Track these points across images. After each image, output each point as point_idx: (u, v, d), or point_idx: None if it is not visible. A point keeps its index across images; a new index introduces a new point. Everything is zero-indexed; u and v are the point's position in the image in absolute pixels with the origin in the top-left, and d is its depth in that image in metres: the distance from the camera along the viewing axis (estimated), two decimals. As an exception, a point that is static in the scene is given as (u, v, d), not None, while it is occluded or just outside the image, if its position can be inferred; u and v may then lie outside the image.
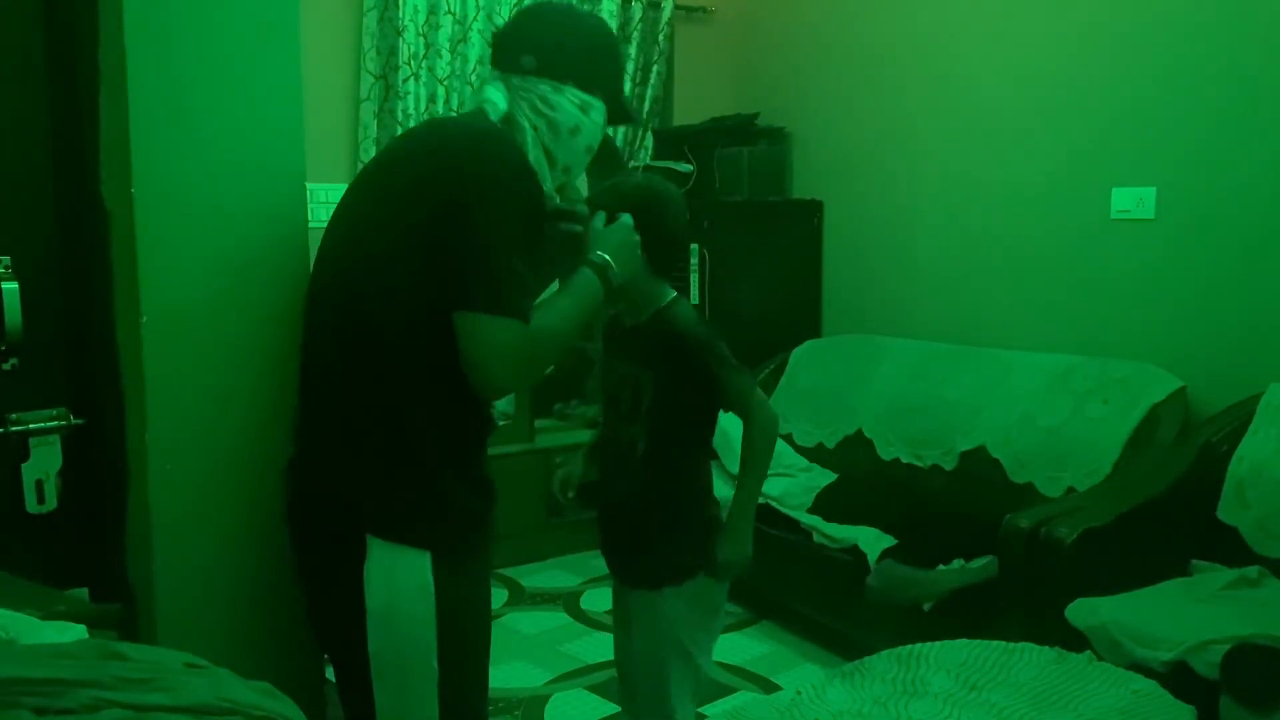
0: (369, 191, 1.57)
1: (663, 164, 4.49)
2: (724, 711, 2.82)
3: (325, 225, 1.68)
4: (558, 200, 1.69)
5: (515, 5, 4.19)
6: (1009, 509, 2.70)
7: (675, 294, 2.05)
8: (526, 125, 1.61)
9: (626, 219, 1.75)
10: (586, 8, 4.40)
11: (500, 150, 1.49)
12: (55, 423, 1.93)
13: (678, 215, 2.02)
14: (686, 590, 2.03)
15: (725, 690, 3.05)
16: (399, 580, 1.43)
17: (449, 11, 4.06)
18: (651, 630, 2.05)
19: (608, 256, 1.61)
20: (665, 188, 2.04)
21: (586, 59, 1.66)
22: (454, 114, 1.85)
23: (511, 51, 1.65)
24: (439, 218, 1.42)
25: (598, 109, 1.68)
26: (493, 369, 1.41)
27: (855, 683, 2.11)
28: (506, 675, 3.11)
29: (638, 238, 1.74)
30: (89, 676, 1.18)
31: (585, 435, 4.38)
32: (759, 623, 3.53)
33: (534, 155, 1.60)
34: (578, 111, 1.64)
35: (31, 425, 1.90)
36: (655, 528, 2.05)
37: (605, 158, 4.38)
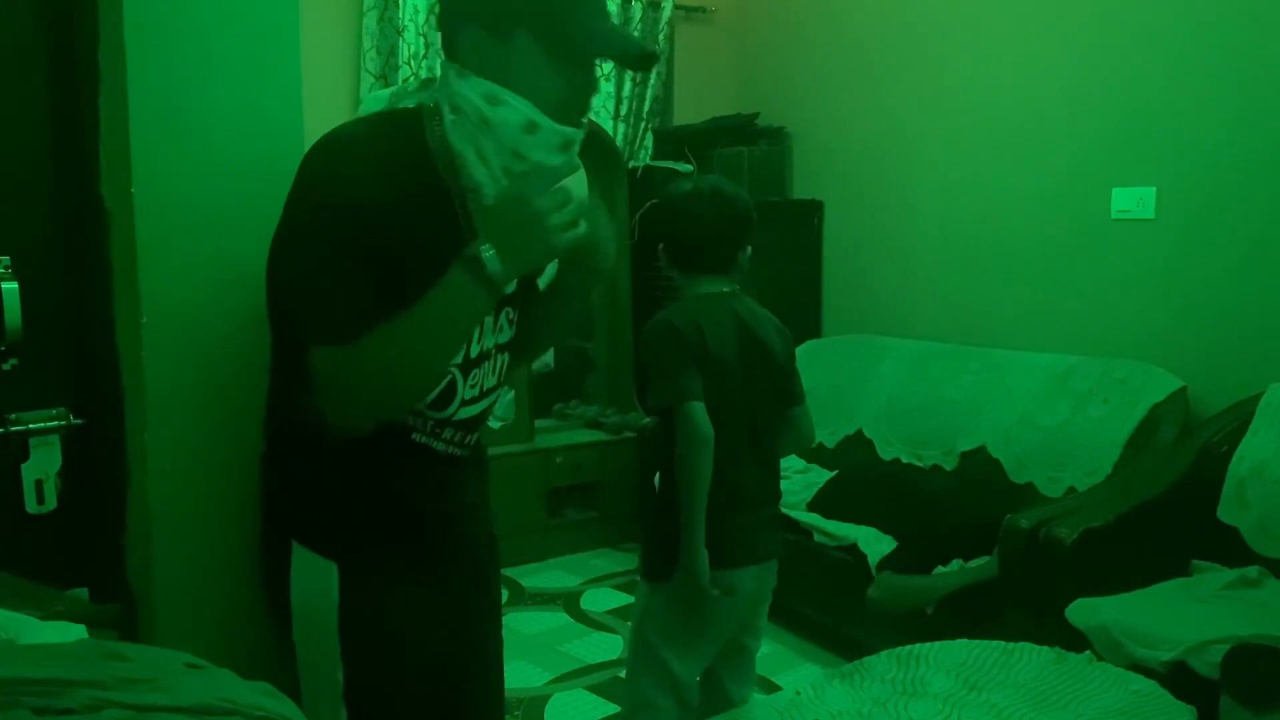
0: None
1: (663, 164, 4.49)
2: (724, 711, 2.82)
3: None
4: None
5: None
6: (1009, 509, 2.70)
7: (704, 293, 2.03)
8: (446, 112, 1.36)
9: (529, 196, 1.31)
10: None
11: (307, 162, 1.33)
12: (55, 423, 1.93)
13: (695, 216, 2.03)
14: (661, 590, 2.01)
15: (725, 690, 3.05)
16: (309, 585, 1.40)
17: (449, 11, 4.06)
18: (634, 617, 2.08)
19: (484, 248, 1.27)
20: (681, 190, 2.05)
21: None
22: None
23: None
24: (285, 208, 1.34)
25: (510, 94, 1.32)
26: (325, 403, 1.28)
27: (855, 683, 2.10)
28: (506, 675, 3.10)
29: (543, 217, 1.29)
30: (89, 676, 1.18)
31: (585, 435, 4.41)
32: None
33: (460, 148, 1.36)
34: (481, 103, 1.32)
35: (31, 425, 1.90)
36: (646, 523, 2.07)
37: (603, 156, 4.38)
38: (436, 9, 1.49)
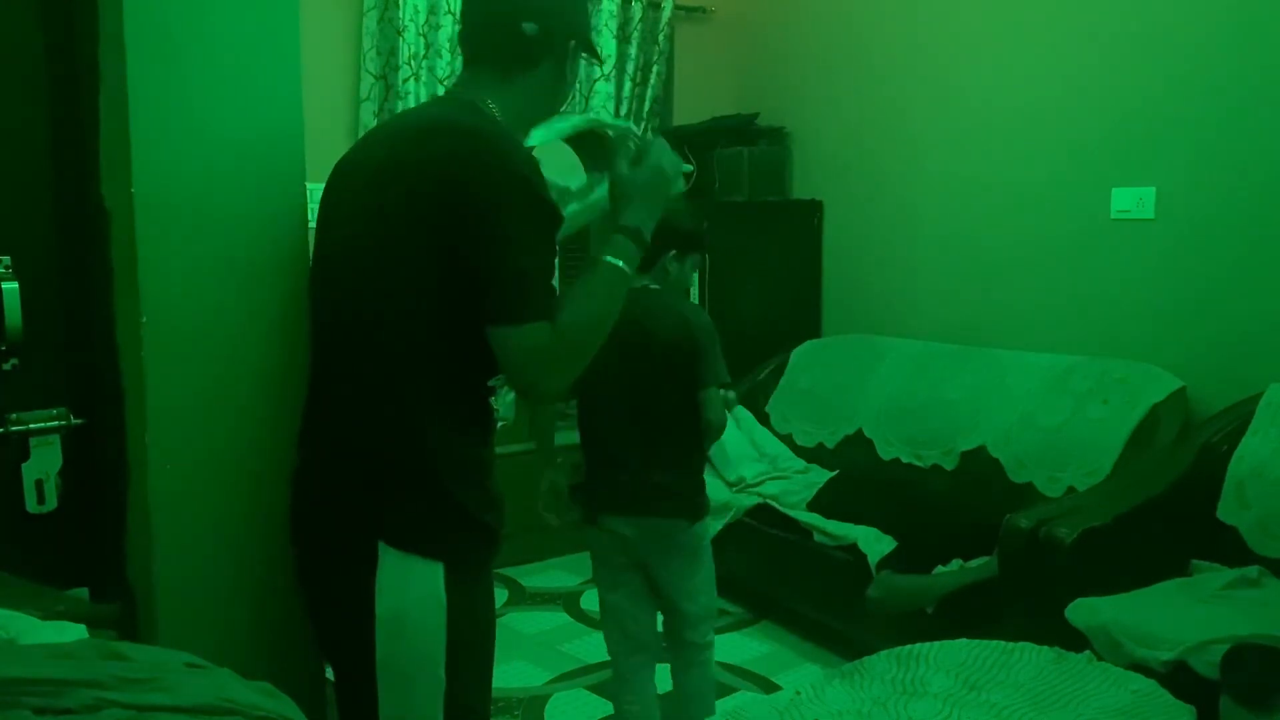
0: (362, 200, 1.47)
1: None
2: (724, 711, 2.81)
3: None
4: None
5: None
6: (1009, 509, 2.70)
7: None
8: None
9: (657, 150, 1.65)
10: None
11: (499, 150, 1.41)
12: (55, 423, 1.93)
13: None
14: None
15: (725, 690, 3.05)
16: (411, 590, 1.41)
17: (449, 11, 4.06)
18: None
19: (634, 213, 1.54)
20: None
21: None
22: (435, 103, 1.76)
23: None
24: (447, 235, 1.38)
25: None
26: (531, 376, 1.40)
27: (855, 683, 2.11)
28: (506, 675, 3.11)
29: (668, 171, 1.63)
30: (89, 676, 1.18)
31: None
32: (759, 623, 3.53)
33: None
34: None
35: (31, 425, 1.90)
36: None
37: (596, 150, 4.37)
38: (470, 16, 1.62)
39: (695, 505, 2.42)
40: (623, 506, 2.38)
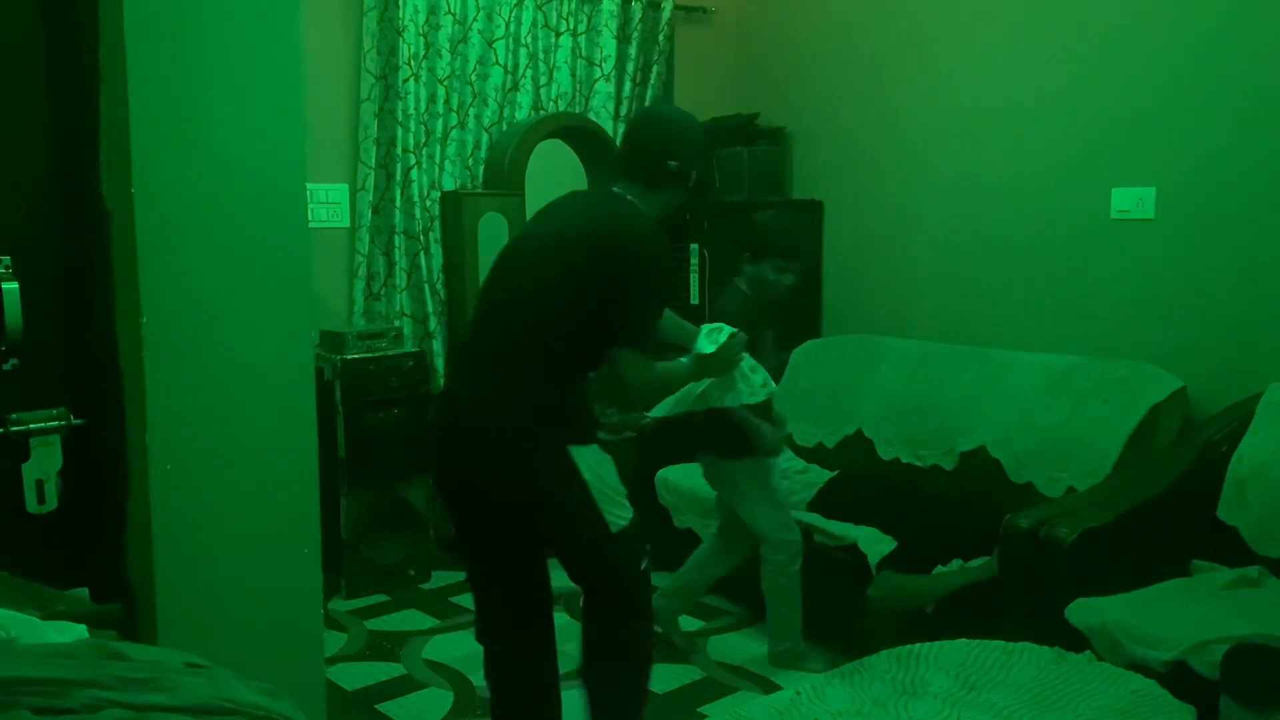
0: (558, 239, 2.27)
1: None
2: (723, 711, 2.82)
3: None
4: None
5: (514, 7, 4.19)
6: (1009, 509, 2.70)
7: None
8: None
9: (735, 343, 2.56)
10: (586, 10, 4.41)
11: (653, 243, 2.25)
12: (55, 423, 1.92)
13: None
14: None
15: (725, 690, 3.05)
16: (595, 463, 2.25)
17: (449, 12, 4.06)
18: None
19: (708, 358, 2.52)
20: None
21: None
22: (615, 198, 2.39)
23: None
24: (612, 285, 2.18)
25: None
26: (629, 380, 2.28)
27: (855, 683, 2.11)
28: (506, 675, 3.10)
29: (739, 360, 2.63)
30: (89, 676, 1.18)
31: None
32: (758, 622, 3.52)
33: None
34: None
35: (31, 425, 1.90)
36: None
37: (606, 159, 4.39)
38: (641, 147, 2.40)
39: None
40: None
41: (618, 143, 4.49)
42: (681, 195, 2.39)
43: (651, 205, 2.32)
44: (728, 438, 3.00)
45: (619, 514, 2.26)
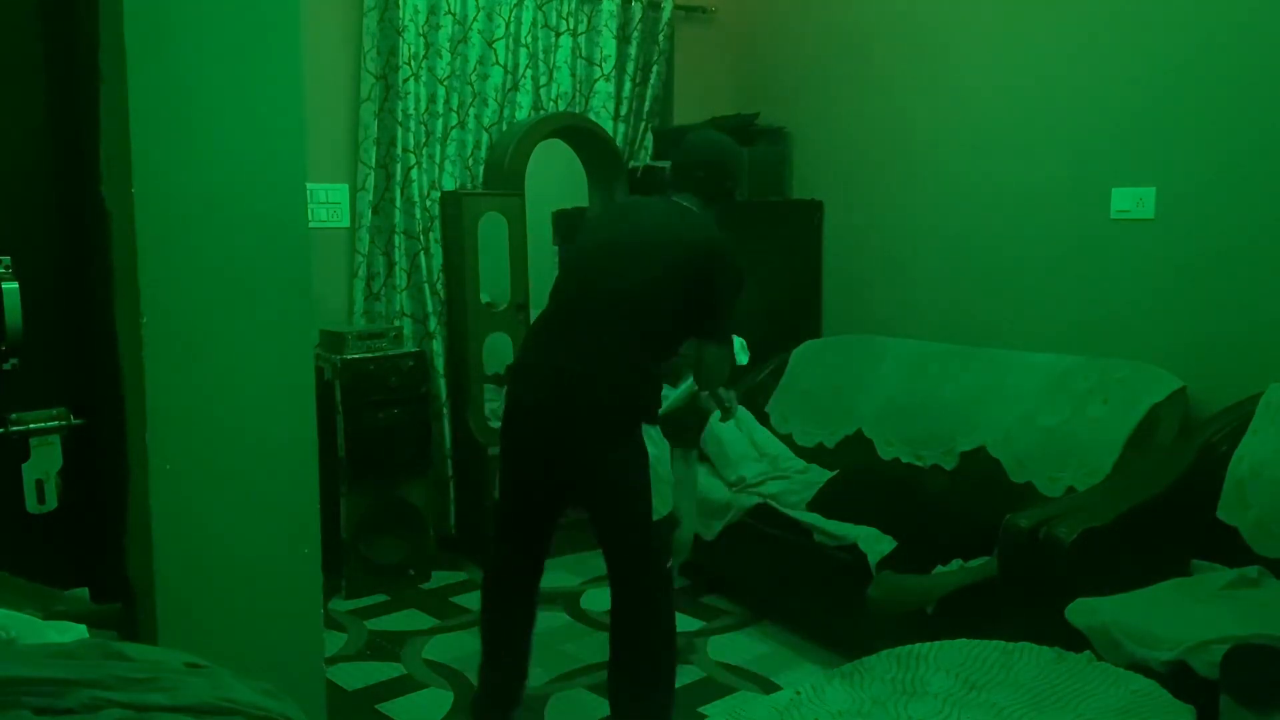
0: (655, 242, 2.54)
1: (663, 164, 4.49)
2: (723, 711, 2.82)
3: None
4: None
5: (514, 7, 4.19)
6: (1009, 509, 2.70)
7: None
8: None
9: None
10: (586, 10, 4.41)
11: (733, 253, 2.57)
12: (55, 423, 1.92)
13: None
14: None
15: (725, 690, 3.05)
16: (640, 445, 2.47)
17: (449, 12, 4.06)
18: None
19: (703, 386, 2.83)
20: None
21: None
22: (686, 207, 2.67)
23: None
24: (703, 284, 2.51)
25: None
26: (711, 368, 2.67)
27: (855, 683, 2.11)
28: (506, 675, 3.10)
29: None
30: (89, 676, 1.18)
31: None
32: (758, 622, 3.53)
33: None
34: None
35: (31, 425, 1.90)
36: None
37: (606, 159, 4.39)
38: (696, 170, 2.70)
39: None
40: None
41: (618, 143, 4.51)
42: (723, 212, 2.75)
43: (706, 218, 2.64)
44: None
45: (660, 502, 2.49)
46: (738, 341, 2.87)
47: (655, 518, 2.48)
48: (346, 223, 4.04)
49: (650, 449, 2.47)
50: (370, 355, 3.77)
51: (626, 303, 2.48)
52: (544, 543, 2.68)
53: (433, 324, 4.11)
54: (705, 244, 2.54)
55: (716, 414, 3.71)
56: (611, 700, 2.61)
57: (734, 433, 3.81)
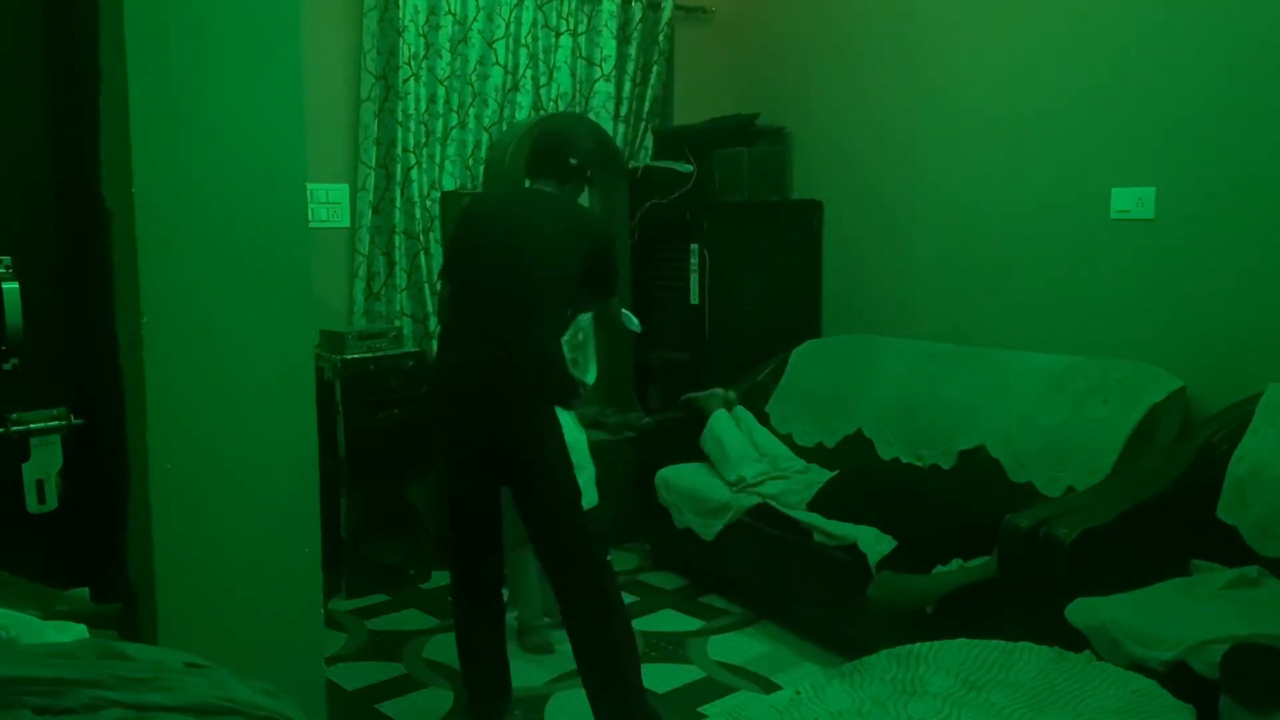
0: (545, 230, 2.70)
1: (663, 164, 4.49)
2: (723, 711, 2.82)
3: (476, 223, 2.79)
4: None
5: (514, 7, 4.20)
6: (1009, 509, 2.70)
7: None
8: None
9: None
10: (586, 10, 4.42)
11: (599, 219, 3.09)
12: (55, 423, 1.92)
13: None
14: None
15: (725, 690, 3.05)
16: (570, 426, 2.71)
17: (449, 12, 4.06)
18: None
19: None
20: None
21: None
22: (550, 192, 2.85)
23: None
24: (588, 254, 2.72)
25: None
26: (615, 310, 2.99)
27: (854, 682, 2.11)
28: (506, 675, 3.10)
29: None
30: (89, 676, 1.18)
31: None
32: (758, 622, 3.53)
33: None
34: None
35: (32, 425, 1.90)
36: None
37: (607, 159, 4.38)
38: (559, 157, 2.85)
39: None
40: None
41: (618, 143, 4.52)
42: (584, 187, 2.94)
43: (567, 197, 2.84)
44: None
45: (586, 490, 2.69)
46: (626, 315, 3.09)
47: (585, 506, 2.67)
48: (346, 223, 4.04)
49: (566, 435, 2.64)
50: (370, 355, 3.77)
51: (530, 292, 2.65)
52: (495, 531, 2.80)
53: (433, 324, 4.11)
54: (588, 223, 2.86)
55: (716, 414, 3.75)
56: (573, 639, 2.70)
57: (734, 433, 3.81)
